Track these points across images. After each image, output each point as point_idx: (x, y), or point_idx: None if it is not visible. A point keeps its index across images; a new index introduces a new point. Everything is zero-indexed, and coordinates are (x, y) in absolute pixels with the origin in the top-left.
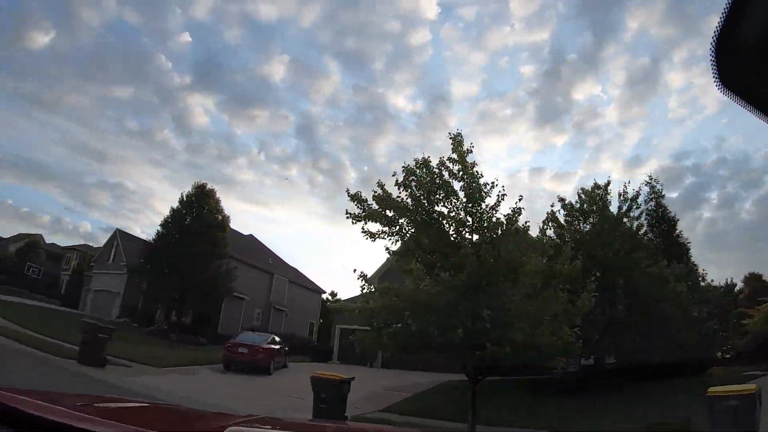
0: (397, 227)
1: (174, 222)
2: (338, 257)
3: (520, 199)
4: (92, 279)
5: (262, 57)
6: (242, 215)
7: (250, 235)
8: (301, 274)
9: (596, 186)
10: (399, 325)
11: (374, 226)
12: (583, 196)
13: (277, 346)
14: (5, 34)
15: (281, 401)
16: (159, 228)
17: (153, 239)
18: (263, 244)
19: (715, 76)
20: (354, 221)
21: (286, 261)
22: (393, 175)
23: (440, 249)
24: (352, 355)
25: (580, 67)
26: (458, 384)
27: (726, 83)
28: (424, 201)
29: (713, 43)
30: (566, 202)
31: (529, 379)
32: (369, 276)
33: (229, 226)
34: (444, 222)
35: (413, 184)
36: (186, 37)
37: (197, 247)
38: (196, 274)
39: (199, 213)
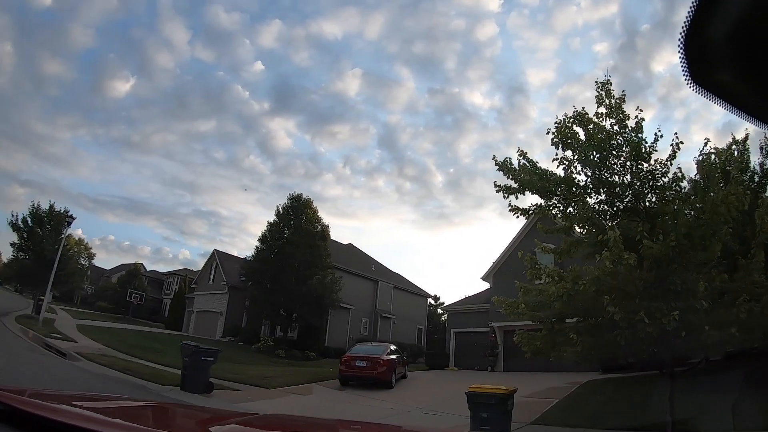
0: (560, 196)
1: (272, 235)
2: (434, 262)
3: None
4: (194, 301)
5: (334, 74)
6: (334, 229)
7: (350, 244)
8: (404, 279)
9: (734, 142)
10: (581, 318)
11: (525, 201)
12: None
13: (396, 356)
14: (90, 86)
15: (415, 421)
16: (257, 243)
17: (252, 255)
18: (364, 252)
19: (685, 72)
20: (505, 195)
21: (388, 267)
22: (547, 133)
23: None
24: (469, 360)
25: (655, 36)
26: (602, 383)
27: (696, 79)
28: (596, 160)
29: (681, 41)
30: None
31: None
32: (483, 273)
33: (329, 235)
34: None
35: (574, 142)
36: (258, 66)
37: (299, 259)
38: (300, 287)
39: (297, 224)
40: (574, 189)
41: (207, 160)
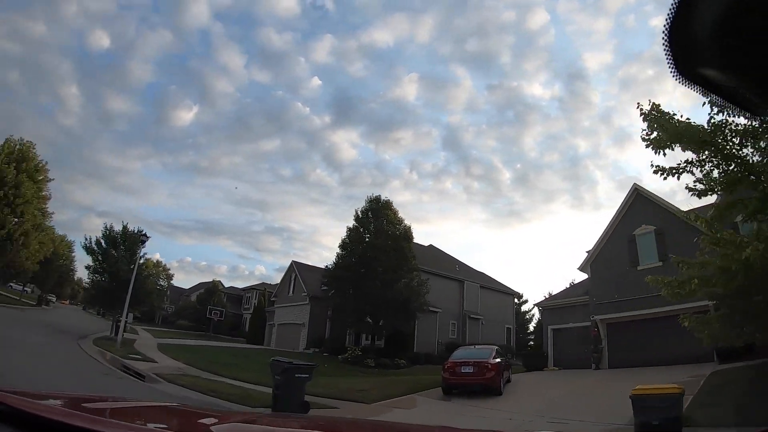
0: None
1: (353, 241)
2: (509, 261)
3: None
4: (274, 314)
5: (390, 81)
6: None
7: (430, 245)
8: (489, 278)
9: None
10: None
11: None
12: None
13: (501, 359)
14: (156, 118)
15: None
16: (338, 250)
17: (333, 263)
18: (445, 253)
19: (671, 66)
20: (656, 149)
21: (471, 266)
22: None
23: None
24: (569, 358)
25: None
26: (730, 374)
27: (682, 73)
28: None
29: (665, 35)
30: None
31: None
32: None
33: (412, 236)
34: None
35: None
36: (316, 81)
37: (383, 262)
38: (385, 292)
39: (378, 226)
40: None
41: (274, 178)
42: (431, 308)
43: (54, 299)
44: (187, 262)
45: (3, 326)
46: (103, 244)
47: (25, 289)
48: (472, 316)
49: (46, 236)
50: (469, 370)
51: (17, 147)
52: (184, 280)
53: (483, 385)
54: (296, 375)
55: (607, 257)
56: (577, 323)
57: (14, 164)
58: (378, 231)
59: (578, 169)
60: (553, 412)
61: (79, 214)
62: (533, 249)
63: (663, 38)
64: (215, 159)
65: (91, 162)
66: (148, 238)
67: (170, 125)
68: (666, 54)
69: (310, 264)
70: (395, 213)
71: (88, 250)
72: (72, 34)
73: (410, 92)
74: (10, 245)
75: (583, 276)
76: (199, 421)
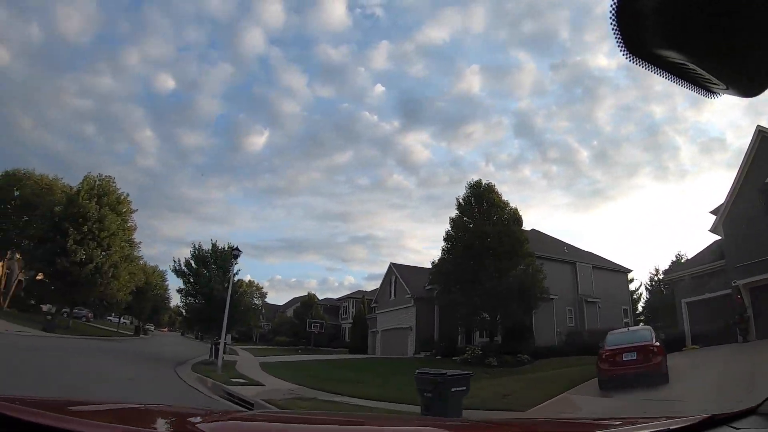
0: None
1: (457, 231)
2: (599, 242)
3: None
4: (376, 320)
5: (452, 77)
6: None
7: (533, 229)
8: (600, 257)
9: None
10: None
11: None
12: None
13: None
14: (230, 147)
15: None
16: (443, 244)
17: (439, 259)
18: (549, 235)
19: (621, 46)
20: None
21: (578, 247)
22: None
23: None
24: (708, 333)
25: None
26: None
27: (632, 52)
28: None
29: (612, 12)
30: None
31: None
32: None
33: (521, 219)
34: None
35: None
36: (379, 89)
37: (495, 250)
38: (500, 282)
39: (483, 212)
40: None
41: (352, 188)
42: (548, 296)
43: (152, 328)
44: (277, 280)
45: (98, 359)
46: (192, 264)
47: (123, 320)
48: (588, 299)
49: (135, 267)
50: (632, 357)
51: (97, 183)
52: (276, 297)
53: (648, 373)
54: (452, 389)
55: (741, 213)
56: (714, 293)
57: (95, 199)
58: (484, 217)
59: (657, 137)
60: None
61: (168, 247)
62: (622, 227)
63: (610, 17)
64: (292, 178)
65: (174, 197)
66: (240, 252)
67: (245, 152)
68: (614, 33)
69: (410, 265)
70: (499, 196)
71: (178, 272)
72: (138, 82)
73: (474, 84)
74: (100, 278)
75: (698, 245)
76: (188, 419)
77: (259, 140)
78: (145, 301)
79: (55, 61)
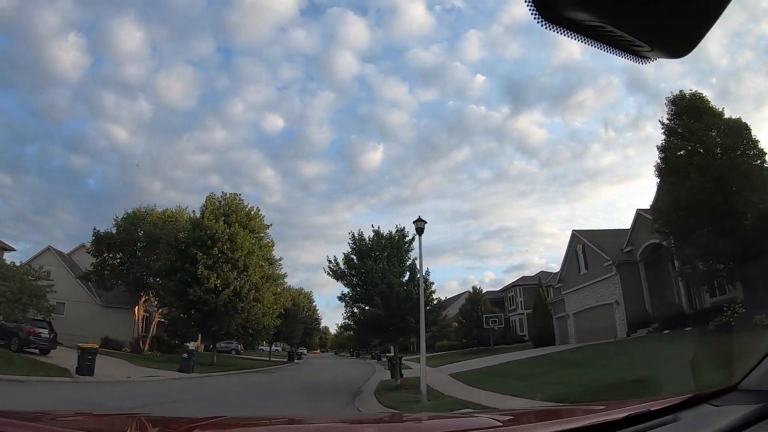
0: None
1: (674, 159)
2: None
3: None
4: (564, 303)
5: (549, 48)
6: (622, 198)
7: None
8: None
9: None
10: None
11: None
12: None
13: None
14: (348, 168)
15: None
16: (657, 181)
17: (656, 198)
18: None
19: (534, 13)
20: None
21: None
22: None
23: None
24: None
25: None
26: None
27: (548, 19)
28: None
29: None
30: None
31: None
32: None
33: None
34: None
35: None
36: (479, 78)
37: (736, 170)
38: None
39: (705, 140)
40: None
41: (476, 184)
42: None
43: (305, 351)
44: None
45: (240, 400)
46: (355, 259)
47: (275, 347)
48: None
49: (279, 286)
50: None
51: (221, 202)
52: None
53: None
54: None
55: None
56: None
57: (222, 218)
58: (702, 134)
59: None
60: None
61: (308, 273)
62: None
63: None
64: (414, 185)
65: (304, 226)
66: (424, 223)
67: (364, 169)
68: (529, 3)
69: (593, 229)
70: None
71: (337, 274)
72: (249, 127)
73: (574, 51)
74: (240, 302)
75: None
76: (169, 427)
77: (375, 156)
78: (295, 324)
79: (169, 127)
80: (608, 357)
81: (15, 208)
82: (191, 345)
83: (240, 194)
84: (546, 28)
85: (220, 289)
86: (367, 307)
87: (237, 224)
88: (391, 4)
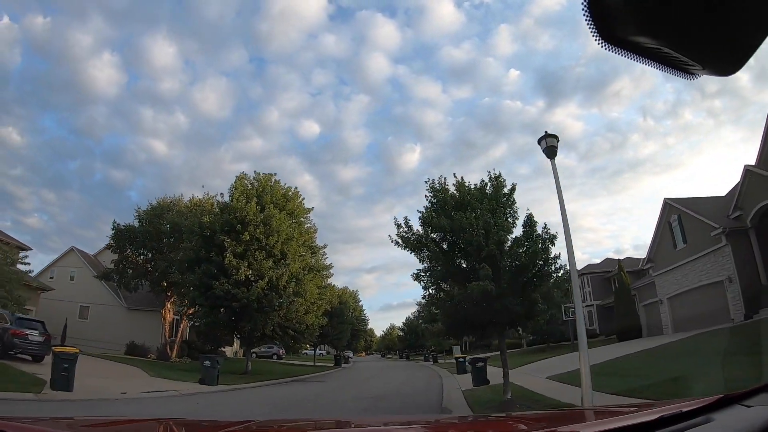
0: None
1: None
2: None
3: None
4: (654, 287)
5: (582, 38)
6: (665, 188)
7: None
8: None
9: None
10: None
11: None
12: None
13: None
14: (385, 170)
15: None
16: None
17: None
18: None
19: (594, 34)
20: None
21: None
22: None
23: None
24: None
25: None
26: None
27: (607, 41)
28: None
29: (584, 3)
30: None
31: None
32: None
33: None
34: None
35: None
36: (513, 73)
37: None
38: None
39: None
40: None
41: (514, 180)
42: None
43: (351, 355)
44: None
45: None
46: (433, 214)
47: (319, 351)
48: None
49: (324, 279)
50: None
51: (254, 183)
52: None
53: None
54: None
55: None
56: None
57: (255, 198)
58: None
59: None
60: None
61: (350, 277)
62: None
63: (583, 7)
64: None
65: (344, 230)
66: (556, 139)
67: (401, 170)
68: (588, 24)
69: (688, 197)
70: None
71: (409, 242)
72: (285, 135)
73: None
74: (277, 296)
75: None
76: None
77: (412, 157)
78: (341, 325)
79: (206, 138)
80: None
81: (59, 223)
82: (228, 350)
83: (276, 174)
84: (605, 48)
85: (253, 281)
86: (451, 290)
87: (272, 205)
88: (419, 3)
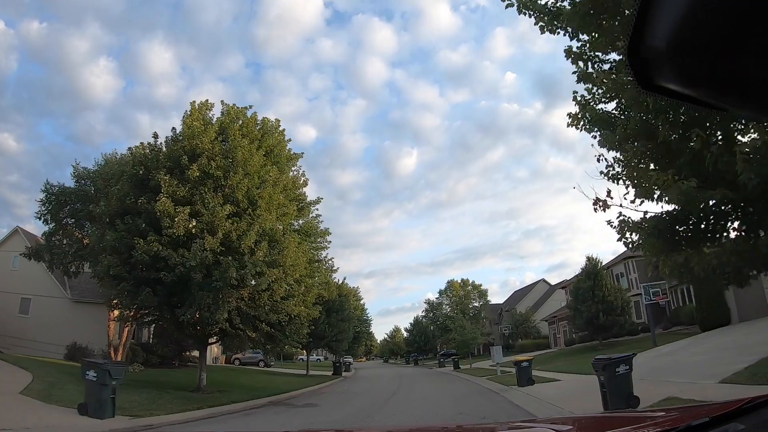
0: None
1: None
2: None
3: None
4: None
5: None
6: None
7: None
8: None
9: None
10: None
11: None
12: None
13: None
14: (384, 174)
15: None
16: None
17: None
18: None
19: (635, 82)
20: None
21: None
22: None
23: None
24: None
25: None
26: None
27: (646, 88)
28: None
29: (626, 53)
30: None
31: None
32: None
33: None
34: None
35: None
36: (510, 76)
37: None
38: None
39: None
40: None
41: (512, 183)
42: None
43: (350, 360)
44: None
45: None
46: None
47: (317, 357)
48: None
49: (318, 249)
50: None
51: (221, 114)
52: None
53: None
54: None
55: None
56: None
57: (216, 127)
58: None
59: None
60: None
61: (348, 282)
62: None
63: (623, 57)
64: (451, 188)
65: (343, 235)
66: None
67: (399, 175)
68: (629, 69)
69: None
70: None
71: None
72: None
73: None
74: (236, 263)
75: None
76: None
77: (410, 161)
78: (343, 323)
79: None
80: None
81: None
82: (210, 356)
83: (252, 106)
84: (645, 94)
85: (198, 237)
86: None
87: (240, 136)
88: (415, 7)
